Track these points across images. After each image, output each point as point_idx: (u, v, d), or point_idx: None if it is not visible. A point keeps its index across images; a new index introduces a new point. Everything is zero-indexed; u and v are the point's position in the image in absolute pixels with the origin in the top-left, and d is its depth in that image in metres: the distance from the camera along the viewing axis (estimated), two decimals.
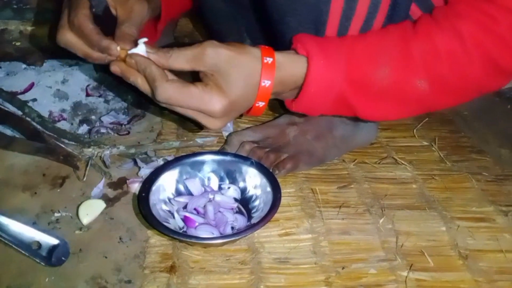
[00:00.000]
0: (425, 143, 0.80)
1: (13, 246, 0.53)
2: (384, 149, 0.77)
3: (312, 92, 0.55)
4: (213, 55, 0.51)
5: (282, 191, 0.60)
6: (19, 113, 0.77)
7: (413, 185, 0.70)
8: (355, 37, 0.56)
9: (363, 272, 0.56)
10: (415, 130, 0.82)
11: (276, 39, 0.65)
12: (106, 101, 0.85)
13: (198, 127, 0.57)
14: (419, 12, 0.59)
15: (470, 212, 0.65)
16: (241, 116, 0.57)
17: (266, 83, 0.52)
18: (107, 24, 0.58)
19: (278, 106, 0.85)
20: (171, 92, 0.51)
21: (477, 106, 0.87)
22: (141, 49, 0.53)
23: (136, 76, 0.52)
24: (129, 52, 0.53)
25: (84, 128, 0.78)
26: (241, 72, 0.52)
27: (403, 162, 0.74)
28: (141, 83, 0.52)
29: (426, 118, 0.84)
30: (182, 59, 0.52)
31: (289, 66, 0.54)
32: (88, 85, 0.87)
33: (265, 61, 0.52)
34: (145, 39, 0.53)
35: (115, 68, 0.53)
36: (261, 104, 0.54)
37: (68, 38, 0.55)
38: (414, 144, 0.79)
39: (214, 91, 0.51)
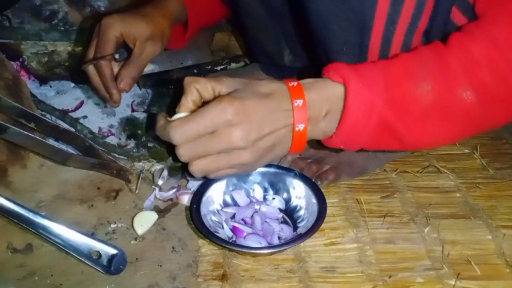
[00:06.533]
0: (467, 151, 0.80)
1: (75, 255, 0.56)
2: (425, 157, 0.78)
3: (353, 118, 0.52)
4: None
5: (326, 201, 0.62)
6: (72, 129, 0.82)
7: (457, 193, 0.70)
8: (387, 60, 0.55)
9: (410, 281, 0.57)
10: None
11: (316, 47, 0.66)
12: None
13: (189, 175, 0.55)
14: (459, 13, 0.57)
15: None
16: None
17: (299, 102, 0.52)
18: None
19: None
20: (182, 126, 0.50)
21: None
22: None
23: None
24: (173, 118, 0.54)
25: (132, 143, 0.82)
26: (256, 87, 0.52)
27: (445, 170, 0.74)
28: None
29: None
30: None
31: (320, 87, 0.53)
32: (133, 101, 0.91)
33: (291, 84, 0.53)
34: (184, 114, 0.54)
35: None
36: (301, 127, 0.53)
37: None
38: (455, 152, 0.79)
39: (223, 96, 0.51)
